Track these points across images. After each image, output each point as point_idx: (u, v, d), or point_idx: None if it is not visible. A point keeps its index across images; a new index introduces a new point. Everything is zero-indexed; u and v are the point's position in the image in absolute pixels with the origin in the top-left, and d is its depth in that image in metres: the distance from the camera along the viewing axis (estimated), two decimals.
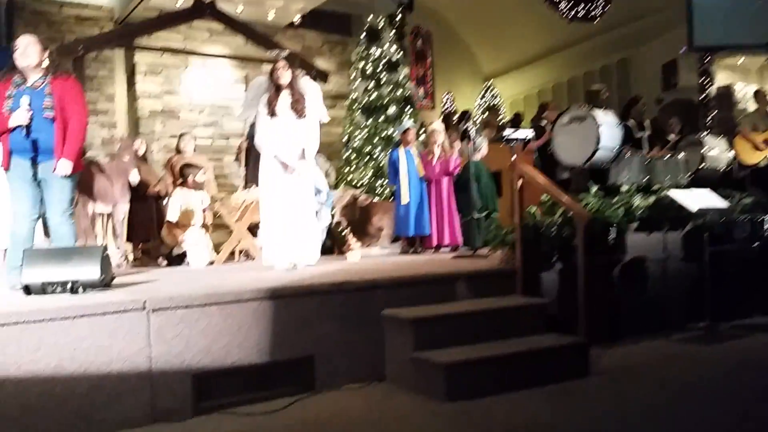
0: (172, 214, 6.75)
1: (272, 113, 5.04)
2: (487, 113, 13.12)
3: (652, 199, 5.17)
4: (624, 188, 5.32)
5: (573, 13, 11.79)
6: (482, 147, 6.98)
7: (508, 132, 4.94)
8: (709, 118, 11.67)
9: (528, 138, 5.36)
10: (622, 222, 4.93)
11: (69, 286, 3.75)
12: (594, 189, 5.15)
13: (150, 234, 7.01)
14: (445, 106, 15.27)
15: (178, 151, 7.63)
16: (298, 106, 5.05)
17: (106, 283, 3.88)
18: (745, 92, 11.50)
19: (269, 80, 5.11)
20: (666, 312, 5.01)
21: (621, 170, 6.78)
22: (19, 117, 4.21)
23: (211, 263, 6.63)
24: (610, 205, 5.03)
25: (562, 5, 11.81)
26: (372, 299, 3.88)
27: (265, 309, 3.54)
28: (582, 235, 4.02)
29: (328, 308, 3.74)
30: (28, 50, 4.29)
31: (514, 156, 4.75)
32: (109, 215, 6.62)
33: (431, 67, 16.44)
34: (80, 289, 3.76)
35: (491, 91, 15.70)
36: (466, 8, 14.94)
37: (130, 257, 7.07)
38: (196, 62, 9.37)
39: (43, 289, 3.77)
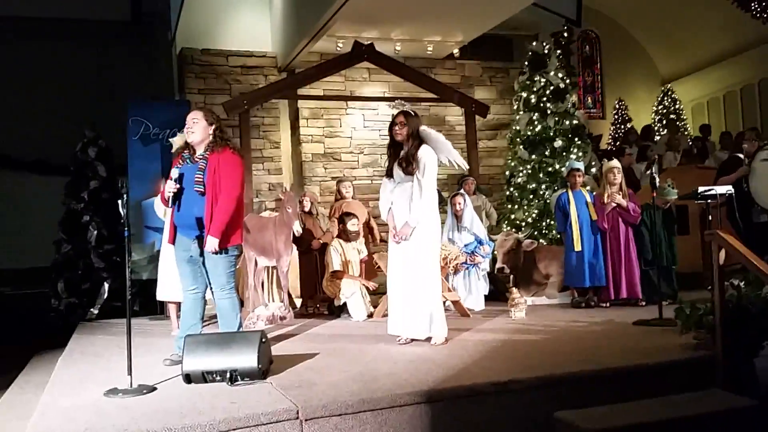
0: (334, 265, 6.72)
1: (389, 173, 4.81)
2: (667, 131, 12.00)
3: None
4: None
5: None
6: (670, 196, 6.18)
7: (703, 189, 4.25)
8: None
9: (729, 193, 4.58)
10: None
11: (228, 375, 3.71)
12: None
13: (313, 287, 7.04)
14: (617, 115, 14.23)
15: (339, 197, 7.64)
16: (408, 165, 4.69)
17: (264, 370, 3.80)
18: None
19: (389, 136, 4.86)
20: None
21: None
22: (167, 186, 4.30)
23: (370, 315, 6.50)
24: None
25: (754, 4, 10.53)
26: (543, 398, 3.44)
27: (422, 414, 3.24)
28: None
29: (490, 411, 3.35)
30: (194, 127, 4.38)
31: (710, 218, 4.09)
32: (274, 268, 6.71)
33: (600, 74, 15.43)
34: (238, 379, 3.71)
35: (670, 95, 14.37)
36: (638, 7, 13.82)
37: (298, 305, 7.17)
38: (356, 104, 9.40)
39: (204, 377, 3.77)
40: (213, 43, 9.30)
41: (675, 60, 14.66)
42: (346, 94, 9.40)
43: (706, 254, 3.99)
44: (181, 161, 4.43)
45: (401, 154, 4.74)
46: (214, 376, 3.75)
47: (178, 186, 4.30)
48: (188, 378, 3.78)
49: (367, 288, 6.66)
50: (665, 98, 14.38)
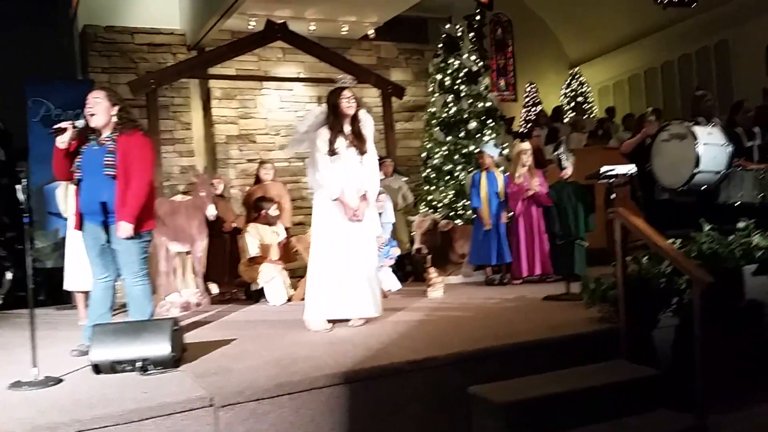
0: (251, 250, 6.62)
1: (333, 151, 4.55)
2: (574, 113, 12.45)
3: None
4: (740, 225, 4.69)
5: None
6: (568, 167, 6.43)
7: (605, 169, 4.43)
8: None
9: (631, 173, 4.78)
10: (740, 265, 4.36)
11: (139, 365, 3.59)
12: (706, 227, 4.56)
13: (226, 272, 6.90)
14: (528, 97, 14.63)
15: (257, 180, 7.51)
16: (359, 142, 4.61)
17: (177, 358, 3.70)
18: None
19: (330, 111, 4.62)
20: None
21: (732, 188, 6.13)
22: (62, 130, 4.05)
23: (289, 300, 6.45)
24: (725, 246, 4.45)
25: None
26: (459, 374, 3.52)
27: (339, 395, 3.24)
28: (699, 300, 3.50)
29: (408, 389, 3.40)
30: (95, 107, 4.16)
31: (613, 196, 4.27)
32: (188, 253, 6.53)
33: (513, 57, 15.78)
34: (150, 368, 3.60)
35: (578, 78, 14.90)
36: None
37: (214, 292, 7.02)
38: (271, 84, 9.22)
39: (113, 368, 3.64)
40: (118, 19, 8.86)
41: (582, 44, 15.17)
42: (261, 74, 9.21)
43: (611, 231, 4.15)
44: (86, 143, 4.22)
45: (349, 130, 4.62)
46: (124, 366, 3.62)
47: (72, 124, 4.07)
48: (97, 368, 3.63)
49: (287, 271, 6.60)
50: (573, 81, 14.89)
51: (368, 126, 4.73)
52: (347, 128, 4.62)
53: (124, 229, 4.07)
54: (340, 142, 4.56)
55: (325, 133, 4.58)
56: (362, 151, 4.63)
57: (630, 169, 4.76)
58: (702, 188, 5.87)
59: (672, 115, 10.33)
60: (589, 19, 14.27)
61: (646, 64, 14.07)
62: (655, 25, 12.87)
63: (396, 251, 7.13)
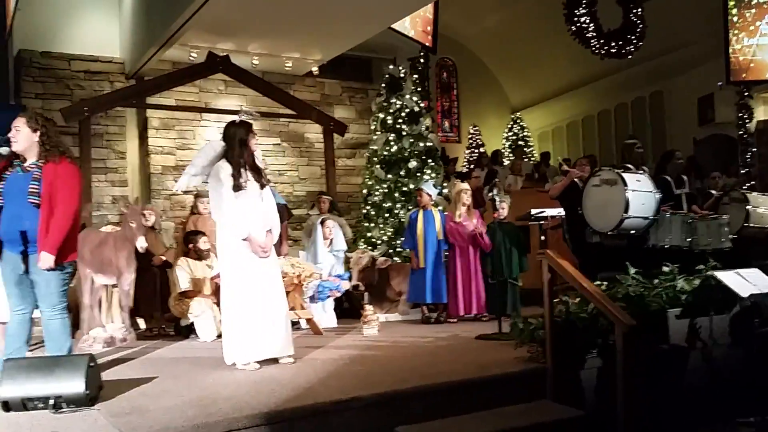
0: (182, 284, 6.44)
1: (238, 186, 4.41)
2: (513, 156, 12.75)
3: (697, 282, 4.67)
4: (665, 269, 4.83)
5: (606, 49, 11.43)
6: (503, 209, 6.56)
7: (536, 211, 4.52)
8: (749, 154, 11.17)
9: (561, 216, 4.89)
10: (664, 308, 4.47)
11: (51, 402, 3.41)
12: (632, 271, 4.68)
13: (155, 306, 6.69)
14: (472, 139, 14.94)
15: (193, 212, 7.37)
16: (259, 176, 4.56)
17: (92, 397, 3.52)
18: None
19: (236, 145, 4.45)
20: (713, 405, 4.49)
21: (661, 232, 6.34)
22: None
23: (219, 336, 6.26)
24: (651, 289, 4.58)
25: (594, 42, 11.45)
26: (385, 414, 3.46)
27: None
28: (622, 342, 3.56)
29: (332, 430, 3.33)
30: (17, 135, 4.05)
31: (542, 237, 4.34)
32: (114, 286, 6.30)
33: (457, 100, 16.14)
34: (63, 406, 3.42)
35: (519, 123, 15.33)
36: (491, 40, 14.70)
37: (142, 327, 6.78)
38: (211, 116, 9.12)
39: (24, 405, 3.45)
40: (55, 45, 8.65)
41: (524, 90, 15.69)
42: (201, 106, 9.11)
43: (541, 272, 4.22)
44: (10, 168, 4.07)
45: (251, 165, 4.55)
46: (36, 403, 3.44)
47: None
48: (6, 406, 3.45)
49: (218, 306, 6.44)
50: (514, 125, 15.33)
51: (259, 158, 4.78)
52: (251, 163, 4.55)
53: (45, 260, 3.91)
54: (244, 177, 4.47)
55: (227, 167, 4.44)
56: (262, 185, 4.60)
57: (559, 211, 4.87)
58: (631, 232, 6.05)
59: (608, 161, 10.69)
60: (530, 67, 14.79)
61: (584, 112, 14.62)
62: (593, 75, 13.41)
63: (346, 285, 7.08)
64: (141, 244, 6.10)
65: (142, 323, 6.88)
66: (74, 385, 3.45)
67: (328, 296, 6.91)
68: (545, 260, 4.02)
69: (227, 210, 4.40)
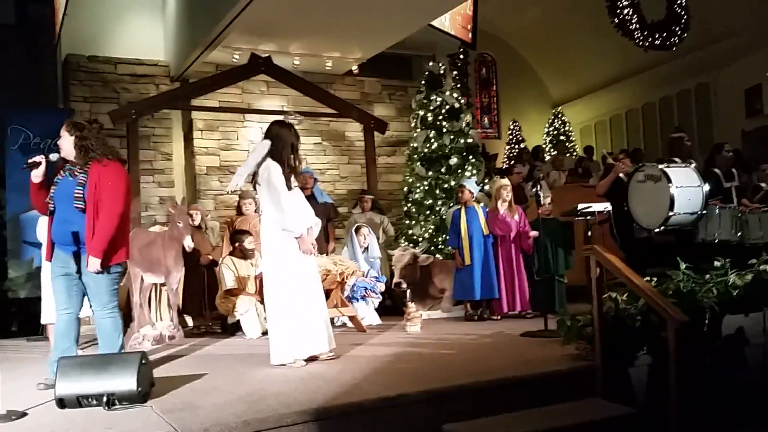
0: (227, 282, 6.54)
1: (290, 186, 4.50)
2: (554, 151, 12.58)
3: (749, 276, 4.53)
4: (717, 264, 4.70)
5: (649, 41, 11.19)
6: (547, 203, 6.49)
7: (582, 206, 4.44)
8: None
9: (607, 210, 4.81)
10: (717, 304, 4.35)
11: (105, 399, 3.49)
12: (683, 266, 4.56)
13: (202, 304, 6.80)
14: (512, 135, 14.81)
15: (239, 212, 7.48)
16: (297, 176, 4.63)
17: (144, 393, 3.60)
18: None
19: (285, 147, 4.52)
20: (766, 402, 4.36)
21: (711, 226, 6.20)
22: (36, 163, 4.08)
23: (265, 333, 6.33)
24: (702, 285, 4.45)
25: (637, 34, 11.23)
26: (432, 411, 3.45)
27: None
28: (674, 338, 3.48)
29: (380, 426, 3.32)
30: (61, 143, 4.19)
31: (589, 233, 4.28)
32: (163, 285, 6.43)
33: (496, 95, 16.00)
34: (116, 403, 3.50)
35: (560, 118, 15.12)
36: (531, 34, 14.52)
37: (190, 324, 6.91)
38: (253, 116, 9.23)
39: (79, 402, 3.53)
40: (101, 49, 8.89)
41: (565, 84, 15.45)
42: (243, 107, 9.23)
43: (588, 268, 4.15)
44: (62, 172, 4.19)
45: (294, 166, 4.62)
46: (90, 400, 3.52)
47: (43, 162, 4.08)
48: (61, 403, 3.53)
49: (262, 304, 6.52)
50: (556, 120, 15.11)
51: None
52: (293, 164, 4.60)
53: (92, 264, 4.01)
54: (292, 178, 4.55)
55: (277, 168, 4.48)
56: (304, 187, 4.74)
57: (606, 206, 4.78)
58: (679, 228, 5.91)
59: (653, 155, 10.47)
60: (571, 61, 14.57)
61: (628, 105, 14.34)
62: (636, 67, 13.14)
63: (381, 286, 7.13)
64: (188, 243, 6.21)
65: (189, 321, 7.01)
66: (127, 382, 3.52)
67: (364, 296, 6.94)
68: (593, 256, 3.95)
69: (286, 206, 4.43)
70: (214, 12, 7.47)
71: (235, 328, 6.52)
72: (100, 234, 4.00)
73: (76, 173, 4.12)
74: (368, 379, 3.88)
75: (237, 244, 6.70)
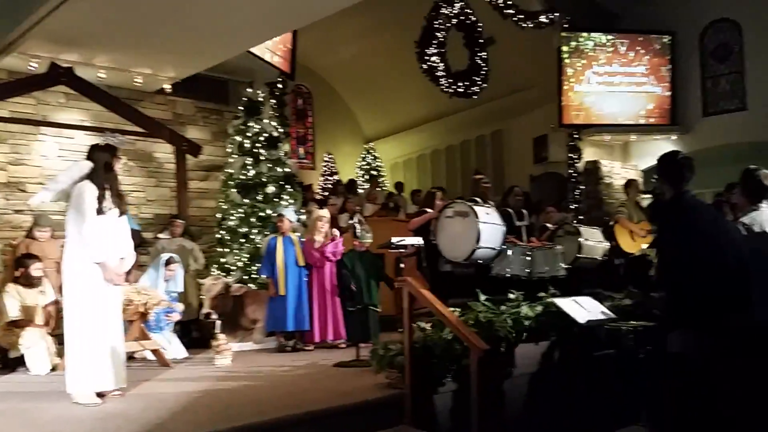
0: (11, 312, 5.86)
1: (101, 209, 4.28)
2: (368, 186, 13.01)
3: (539, 308, 5.00)
4: (511, 296, 5.13)
5: (453, 88, 12.00)
6: (366, 239, 6.69)
7: (396, 239, 4.63)
8: (577, 192, 12.17)
9: (418, 244, 5.05)
10: (511, 333, 4.73)
11: None
12: (483, 298, 4.91)
13: None
14: (326, 167, 15.07)
15: (29, 236, 6.76)
16: (123, 202, 4.48)
17: None
18: (611, 168, 12.11)
19: (101, 168, 4.35)
20: (562, 424, 4.80)
21: (504, 261, 6.73)
22: None
23: (54, 369, 5.74)
24: (498, 315, 4.82)
25: (443, 81, 12.00)
26: None
27: None
28: (476, 366, 3.72)
29: None
30: None
31: (401, 265, 4.45)
32: None
33: (312, 127, 16.22)
34: None
35: (372, 153, 15.70)
36: (346, 71, 14.98)
37: None
38: (49, 130, 8.43)
39: None
40: None
41: (377, 122, 16.14)
42: (38, 119, 8.39)
43: (399, 299, 4.32)
44: None
45: (115, 190, 4.41)
46: None
47: None
48: None
49: (53, 337, 5.91)
50: (368, 155, 15.69)
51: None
52: (114, 188, 4.44)
53: None
54: (107, 201, 4.33)
55: (92, 189, 4.29)
56: (122, 212, 4.48)
57: (418, 240, 5.03)
58: (479, 262, 6.37)
59: (454, 192, 11.20)
60: (383, 100, 15.25)
61: (433, 146, 15.32)
62: (442, 111, 14.07)
63: (181, 306, 6.82)
64: None
65: None
66: None
67: (168, 322, 6.60)
68: (405, 287, 4.11)
69: (88, 231, 4.19)
70: (11, 16, 6.77)
71: (17, 364, 5.84)
72: None
73: None
74: (175, 417, 3.67)
75: (22, 270, 6.04)
